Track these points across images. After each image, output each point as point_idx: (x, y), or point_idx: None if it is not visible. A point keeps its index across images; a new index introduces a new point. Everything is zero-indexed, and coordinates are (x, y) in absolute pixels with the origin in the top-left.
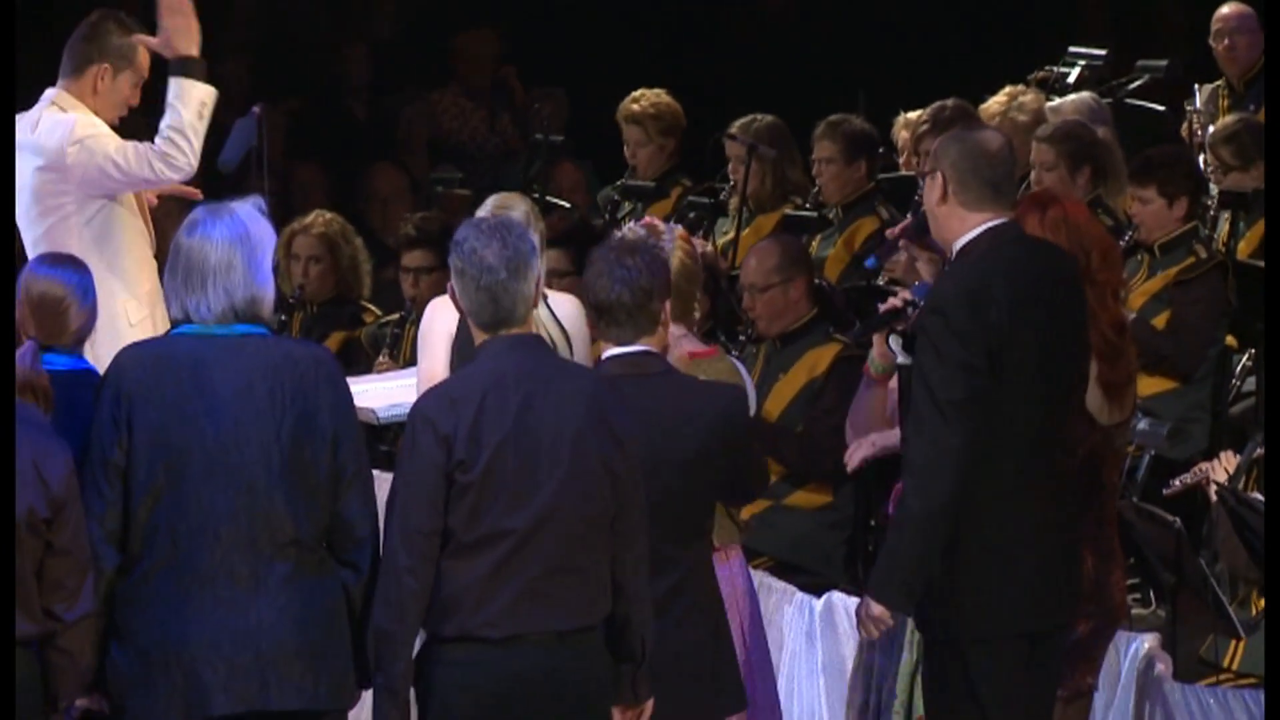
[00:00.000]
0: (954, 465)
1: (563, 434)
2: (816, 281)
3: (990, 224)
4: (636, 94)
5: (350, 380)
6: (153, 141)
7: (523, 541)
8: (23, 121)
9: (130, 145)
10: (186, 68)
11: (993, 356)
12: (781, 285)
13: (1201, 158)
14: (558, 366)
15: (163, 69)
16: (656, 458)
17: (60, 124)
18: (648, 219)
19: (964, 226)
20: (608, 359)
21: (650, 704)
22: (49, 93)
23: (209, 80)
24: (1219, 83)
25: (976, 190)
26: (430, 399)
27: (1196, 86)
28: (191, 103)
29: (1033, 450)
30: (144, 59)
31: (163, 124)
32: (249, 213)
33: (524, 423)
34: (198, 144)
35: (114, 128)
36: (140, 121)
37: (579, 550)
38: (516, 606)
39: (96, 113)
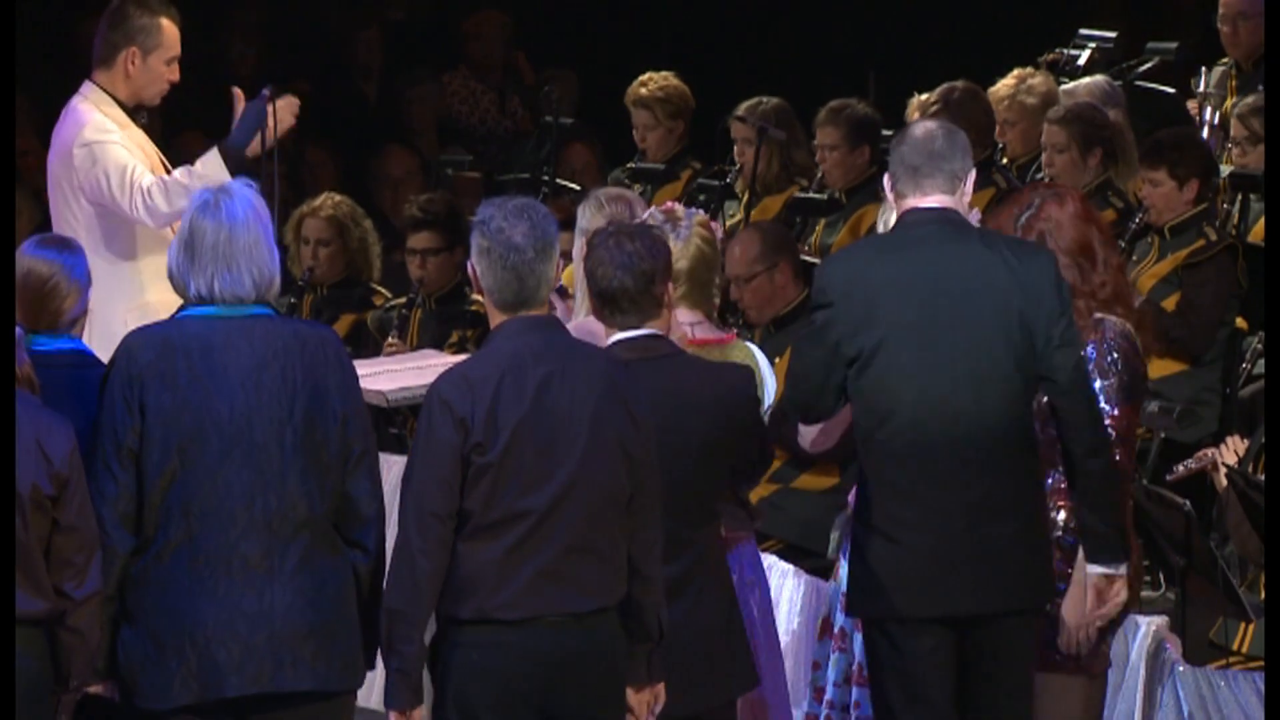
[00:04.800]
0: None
1: (580, 415)
2: (805, 259)
3: (909, 206)
4: (644, 77)
5: (359, 363)
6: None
7: (540, 522)
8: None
9: (132, 171)
10: (231, 153)
11: (861, 337)
12: (766, 272)
13: (1212, 140)
14: (574, 348)
15: (193, 46)
16: (668, 439)
17: (77, 121)
18: (668, 204)
19: (900, 212)
20: (615, 343)
21: (662, 686)
22: (84, 86)
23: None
24: (1227, 62)
25: (901, 177)
26: (448, 380)
27: (1204, 69)
28: (209, 175)
29: (930, 435)
30: (172, 35)
31: (175, 171)
32: (252, 192)
33: (542, 404)
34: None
35: (157, 106)
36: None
37: (596, 531)
38: (534, 588)
39: (136, 95)
